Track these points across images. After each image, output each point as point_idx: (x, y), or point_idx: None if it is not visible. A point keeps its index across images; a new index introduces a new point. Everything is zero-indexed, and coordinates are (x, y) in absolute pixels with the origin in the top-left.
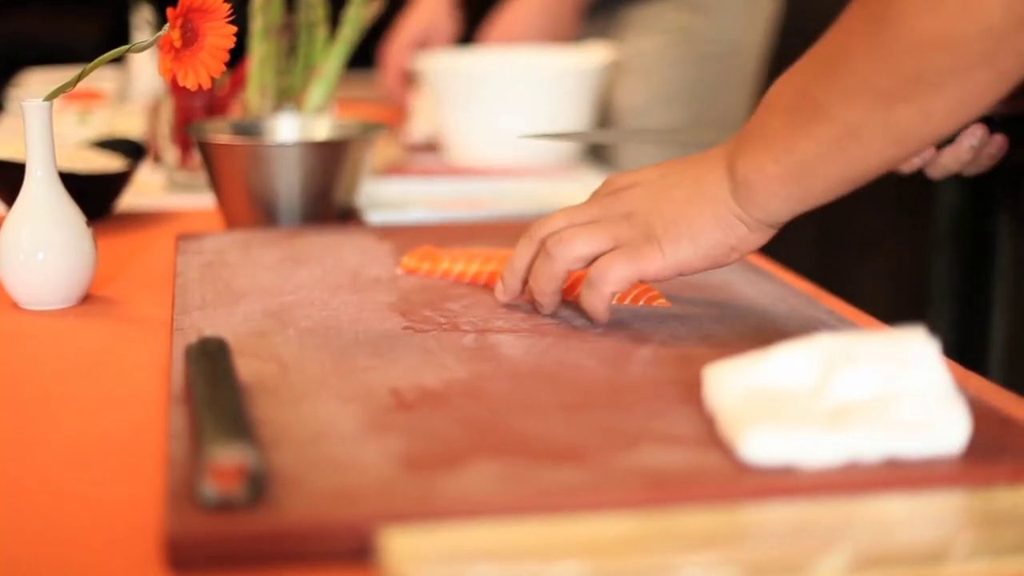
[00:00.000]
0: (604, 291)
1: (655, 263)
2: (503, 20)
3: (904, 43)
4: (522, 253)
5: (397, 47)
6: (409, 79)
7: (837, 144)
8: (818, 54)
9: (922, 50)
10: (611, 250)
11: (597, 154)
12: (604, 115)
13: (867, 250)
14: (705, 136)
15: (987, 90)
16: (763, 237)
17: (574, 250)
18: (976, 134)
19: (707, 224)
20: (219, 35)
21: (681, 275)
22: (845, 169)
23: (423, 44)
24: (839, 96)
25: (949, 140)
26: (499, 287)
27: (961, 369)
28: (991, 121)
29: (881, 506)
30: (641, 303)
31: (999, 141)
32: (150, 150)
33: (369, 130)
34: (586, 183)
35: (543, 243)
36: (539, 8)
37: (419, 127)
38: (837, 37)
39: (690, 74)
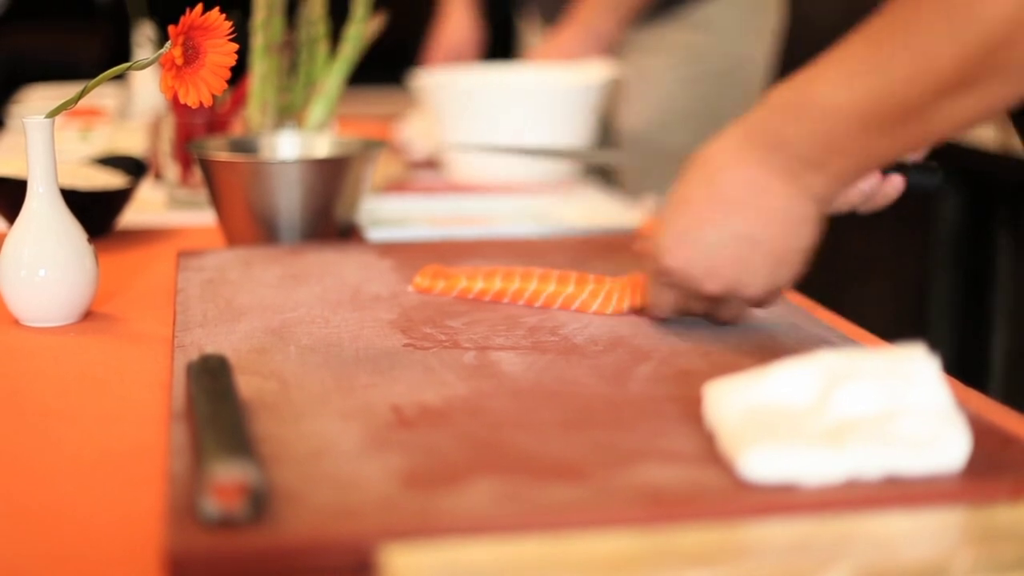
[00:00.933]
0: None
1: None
2: (548, 49)
3: (996, 37)
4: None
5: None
6: None
7: (916, 138)
8: (891, 57)
9: (1012, 41)
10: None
11: (598, 172)
12: (607, 136)
13: (867, 266)
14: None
15: None
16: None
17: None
18: (870, 180)
19: (796, 260)
20: (220, 52)
21: None
22: (909, 151)
23: (456, 58)
24: (928, 95)
25: None
26: None
27: (961, 386)
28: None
29: (881, 523)
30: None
31: (897, 183)
32: (151, 167)
33: (370, 147)
34: (587, 200)
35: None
36: (584, 36)
37: (419, 144)
38: (902, 26)
39: (693, 92)
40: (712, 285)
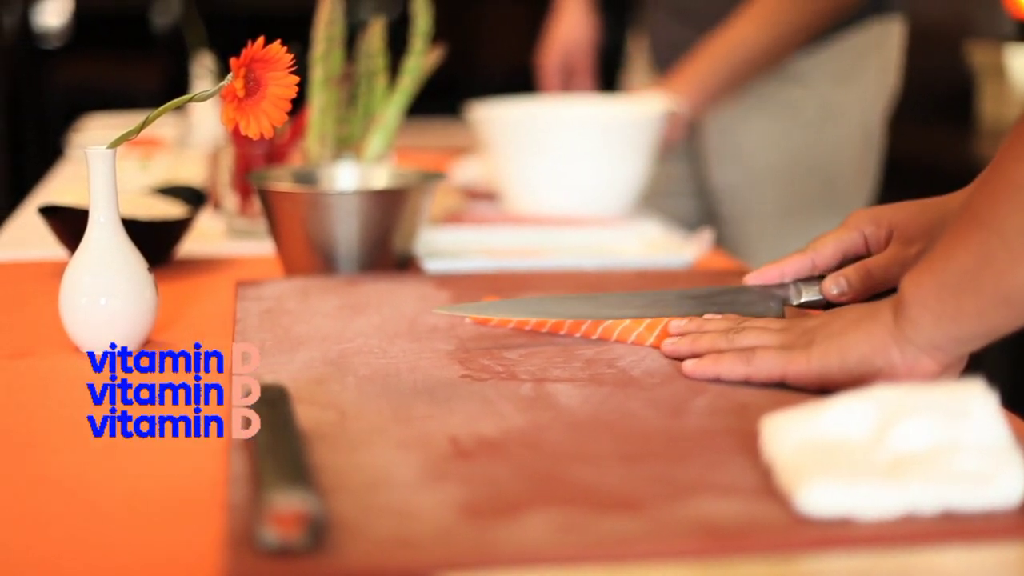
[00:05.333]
0: (743, 370)
1: (798, 367)
2: (685, 77)
3: None
4: (717, 323)
5: (547, 67)
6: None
7: (988, 252)
8: (988, 170)
9: None
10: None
11: (656, 205)
12: (702, 193)
13: None
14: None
15: None
16: (917, 366)
17: (743, 341)
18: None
19: (858, 340)
20: (281, 85)
21: (824, 385)
22: (998, 283)
23: (569, 57)
24: (992, 202)
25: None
26: (671, 340)
27: (1019, 421)
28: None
29: (938, 559)
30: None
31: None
32: (210, 197)
33: (427, 179)
34: (644, 234)
35: (732, 327)
36: (693, 90)
37: (473, 174)
38: (1005, 151)
39: (785, 145)
40: (807, 323)
